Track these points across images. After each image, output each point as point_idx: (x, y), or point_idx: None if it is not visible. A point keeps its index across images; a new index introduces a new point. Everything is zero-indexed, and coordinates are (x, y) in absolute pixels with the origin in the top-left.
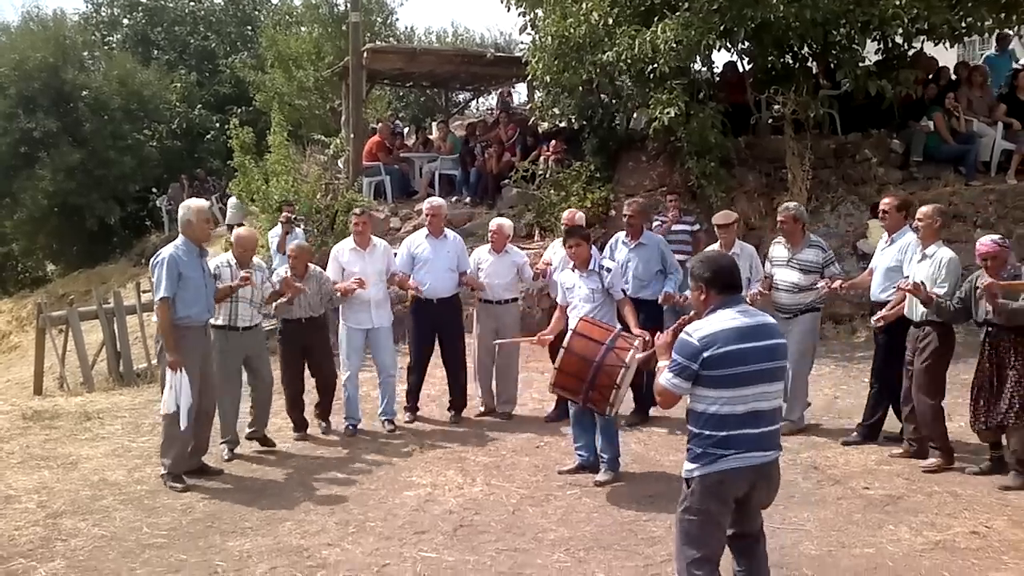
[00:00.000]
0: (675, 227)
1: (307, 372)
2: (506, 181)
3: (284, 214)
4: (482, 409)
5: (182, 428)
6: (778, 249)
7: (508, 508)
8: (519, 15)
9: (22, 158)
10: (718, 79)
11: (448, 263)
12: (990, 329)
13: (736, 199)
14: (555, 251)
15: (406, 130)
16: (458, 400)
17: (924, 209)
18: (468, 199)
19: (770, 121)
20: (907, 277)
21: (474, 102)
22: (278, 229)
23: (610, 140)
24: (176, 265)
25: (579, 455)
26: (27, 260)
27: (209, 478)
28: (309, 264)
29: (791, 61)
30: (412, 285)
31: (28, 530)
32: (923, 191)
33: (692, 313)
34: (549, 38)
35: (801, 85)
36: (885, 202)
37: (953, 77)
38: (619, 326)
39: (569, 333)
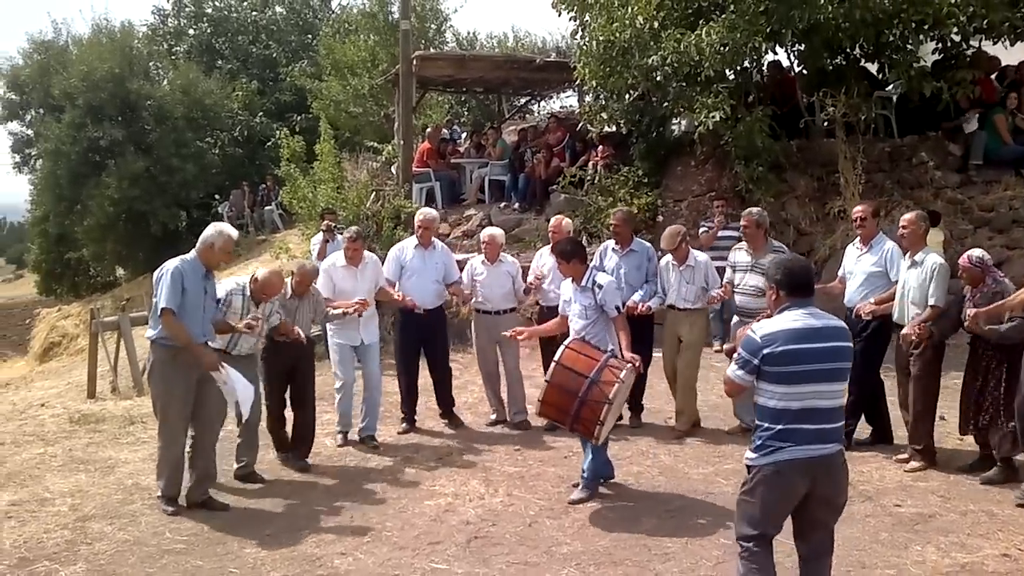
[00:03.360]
0: (721, 233)
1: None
2: (554, 187)
3: (325, 222)
4: (494, 418)
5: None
6: (740, 254)
7: (526, 520)
8: (570, 20)
9: (90, 166)
10: (767, 81)
11: (435, 274)
12: (973, 338)
13: (787, 204)
14: (544, 260)
15: (463, 135)
16: (447, 406)
17: (907, 216)
18: (517, 205)
19: (824, 124)
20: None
21: (536, 106)
22: (319, 237)
23: (658, 145)
24: (182, 278)
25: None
26: (97, 265)
27: (212, 514)
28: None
29: (842, 62)
30: (409, 304)
31: (56, 533)
32: (982, 195)
33: (767, 311)
34: (595, 43)
35: (853, 87)
36: (858, 209)
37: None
38: (612, 346)
39: (553, 363)
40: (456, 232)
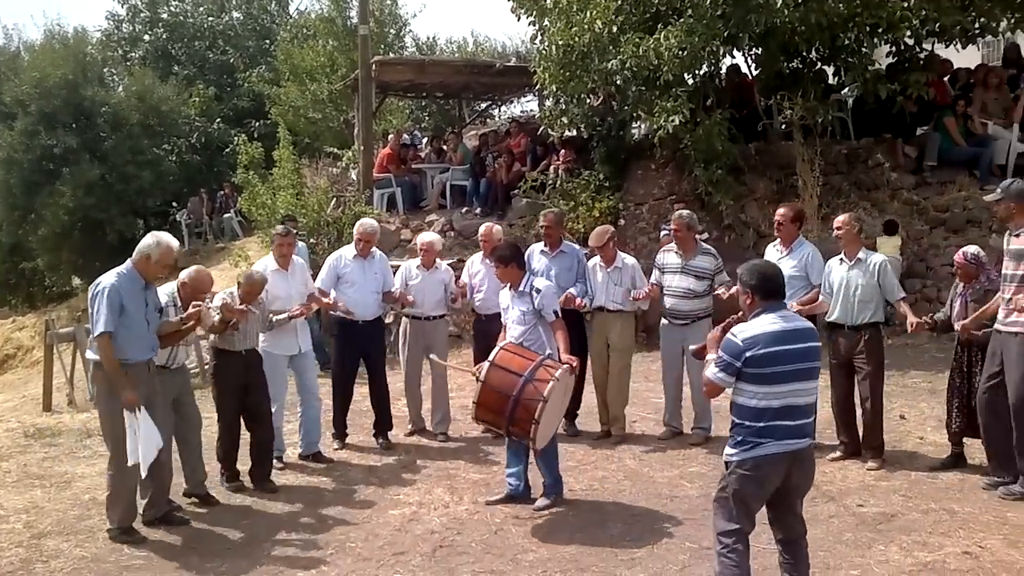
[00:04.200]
0: None
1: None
2: (516, 191)
3: (290, 234)
4: (411, 428)
5: (142, 476)
6: (670, 256)
7: (491, 527)
8: (529, 24)
9: (44, 174)
10: (725, 85)
11: (375, 285)
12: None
13: (746, 206)
14: (476, 268)
15: (424, 140)
16: (385, 424)
17: (841, 218)
18: (478, 209)
19: (782, 127)
20: (815, 286)
21: (497, 111)
22: None
23: (619, 149)
24: (119, 296)
25: (508, 483)
26: (52, 275)
27: (172, 528)
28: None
29: (799, 66)
30: (341, 307)
31: (11, 551)
32: (936, 196)
33: (739, 314)
34: (554, 47)
35: (809, 90)
36: (780, 213)
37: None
38: (551, 351)
39: (487, 364)
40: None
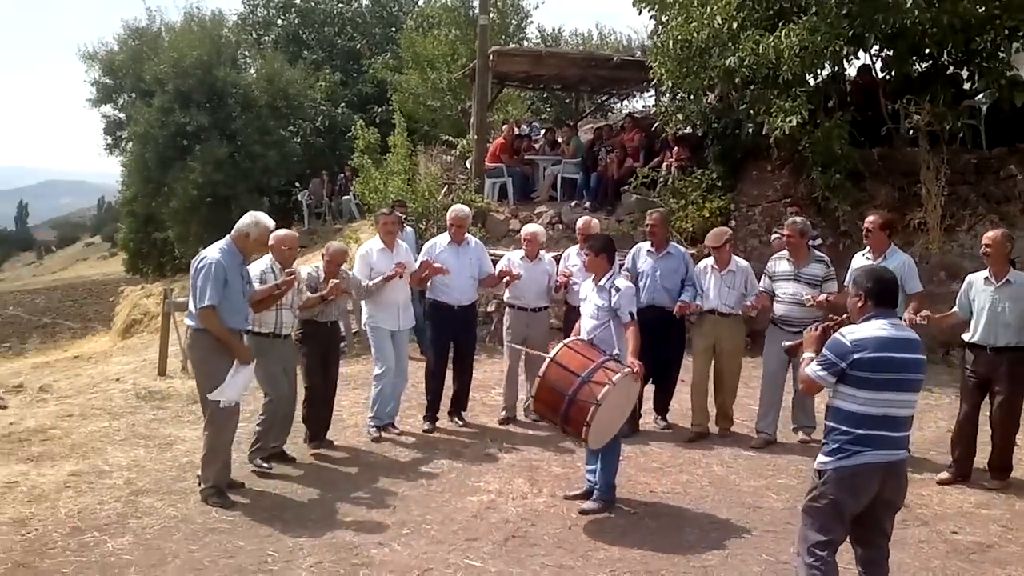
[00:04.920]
0: None
1: None
2: (626, 187)
3: (394, 213)
4: (504, 415)
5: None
6: (782, 264)
7: (566, 522)
8: (650, 18)
9: (177, 150)
10: (849, 87)
11: (470, 271)
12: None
13: (865, 213)
14: (573, 260)
15: (542, 132)
16: (460, 404)
17: (991, 234)
18: (588, 203)
19: (908, 132)
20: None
21: (618, 105)
22: None
23: (734, 148)
24: (223, 271)
25: (587, 479)
26: (181, 246)
27: (234, 491)
28: (341, 267)
29: (929, 68)
30: (436, 267)
31: (109, 505)
32: None
33: (844, 317)
34: (671, 42)
35: (939, 94)
36: (869, 220)
37: None
38: (618, 352)
39: (548, 360)
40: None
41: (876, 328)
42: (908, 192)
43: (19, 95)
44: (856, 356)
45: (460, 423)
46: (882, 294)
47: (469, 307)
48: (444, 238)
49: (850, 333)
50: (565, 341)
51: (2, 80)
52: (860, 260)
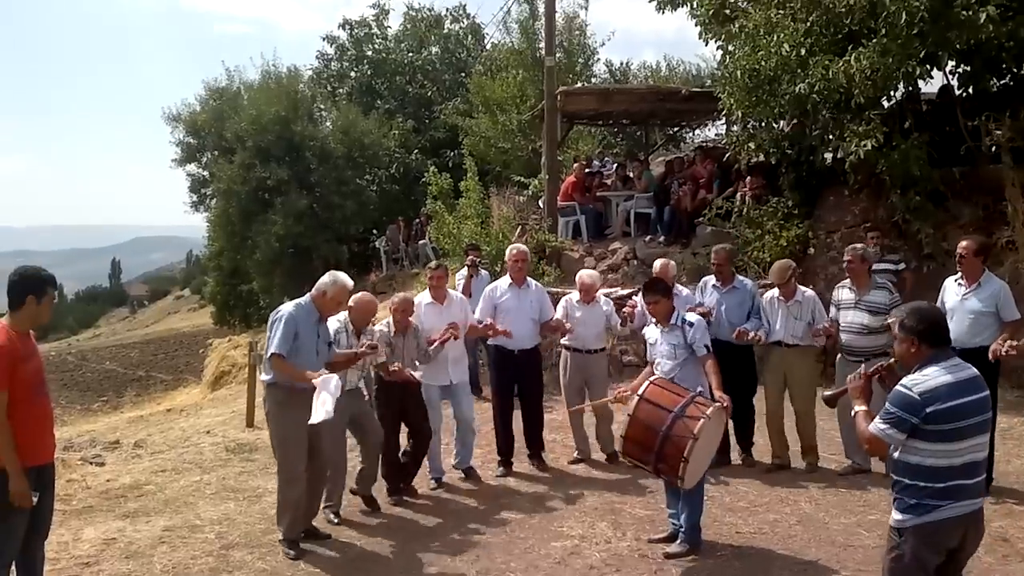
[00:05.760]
0: (876, 266)
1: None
2: (700, 219)
3: (469, 257)
4: (576, 456)
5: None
6: (844, 292)
7: (652, 566)
8: (717, 48)
9: (258, 204)
10: (927, 106)
11: (530, 312)
12: None
13: (948, 234)
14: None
15: (614, 167)
16: (535, 447)
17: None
18: (662, 238)
19: (991, 149)
20: None
21: (689, 135)
22: (464, 272)
23: (809, 174)
24: (294, 324)
25: (671, 523)
26: (266, 297)
27: (319, 542)
28: (411, 320)
29: (1008, 83)
30: (500, 330)
31: (202, 560)
32: None
33: (891, 361)
34: (739, 72)
35: (1020, 110)
36: (962, 246)
37: None
38: (702, 388)
39: (636, 399)
40: (601, 266)
41: (939, 374)
42: (993, 211)
43: (109, 156)
44: (930, 410)
45: (537, 465)
46: (936, 334)
47: (531, 351)
48: (505, 281)
49: (915, 384)
50: (651, 378)
51: (93, 142)
52: (953, 286)
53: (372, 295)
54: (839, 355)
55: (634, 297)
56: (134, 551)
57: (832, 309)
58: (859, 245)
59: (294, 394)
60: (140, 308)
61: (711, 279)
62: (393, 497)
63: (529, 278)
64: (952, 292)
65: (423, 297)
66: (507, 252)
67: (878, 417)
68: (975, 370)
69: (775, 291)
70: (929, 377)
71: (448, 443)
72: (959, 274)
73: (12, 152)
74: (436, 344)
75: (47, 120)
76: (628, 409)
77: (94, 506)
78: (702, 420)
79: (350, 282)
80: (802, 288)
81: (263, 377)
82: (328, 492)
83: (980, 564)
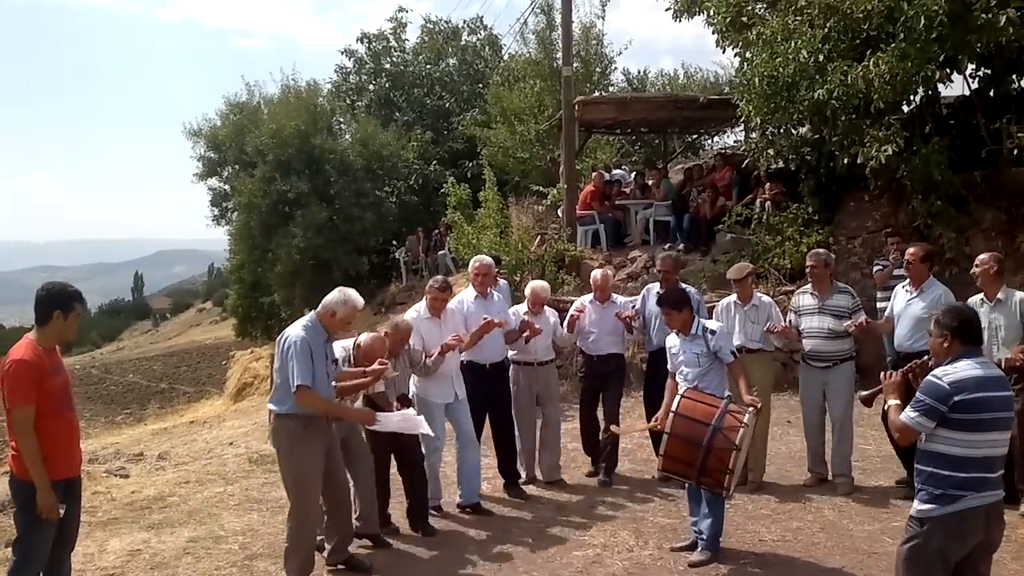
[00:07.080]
0: (897, 271)
1: None
2: (720, 226)
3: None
4: (523, 477)
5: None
6: (805, 298)
7: (674, 575)
8: (735, 55)
9: (279, 217)
10: (947, 110)
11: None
12: None
13: (971, 238)
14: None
15: (633, 175)
16: (513, 471)
17: (981, 256)
18: (682, 245)
19: (1014, 152)
20: None
21: (708, 142)
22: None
23: (829, 180)
24: (308, 348)
25: (693, 531)
26: (287, 309)
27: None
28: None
29: None
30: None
31: (226, 570)
32: None
33: (925, 359)
34: (756, 79)
35: None
36: (910, 252)
37: None
38: (728, 394)
39: (671, 415)
40: (620, 275)
41: (969, 368)
42: (1016, 214)
43: (131, 171)
44: (958, 398)
45: (516, 495)
46: (969, 332)
47: (501, 363)
48: (470, 293)
49: (945, 375)
50: (681, 392)
51: (116, 158)
52: (901, 292)
53: (384, 340)
54: (800, 362)
55: (578, 302)
56: (159, 562)
57: (791, 315)
58: (821, 251)
59: (310, 425)
60: (163, 321)
61: (655, 286)
62: (382, 529)
63: (492, 288)
64: (901, 298)
65: (420, 309)
66: (471, 264)
67: (909, 407)
68: (998, 370)
69: (732, 297)
70: (959, 369)
71: (451, 460)
72: (907, 280)
73: (36, 169)
74: (436, 355)
75: (70, 138)
76: (666, 427)
77: (119, 518)
78: (742, 429)
79: (360, 301)
80: (759, 293)
81: (274, 407)
82: (358, 515)
83: (1007, 569)
